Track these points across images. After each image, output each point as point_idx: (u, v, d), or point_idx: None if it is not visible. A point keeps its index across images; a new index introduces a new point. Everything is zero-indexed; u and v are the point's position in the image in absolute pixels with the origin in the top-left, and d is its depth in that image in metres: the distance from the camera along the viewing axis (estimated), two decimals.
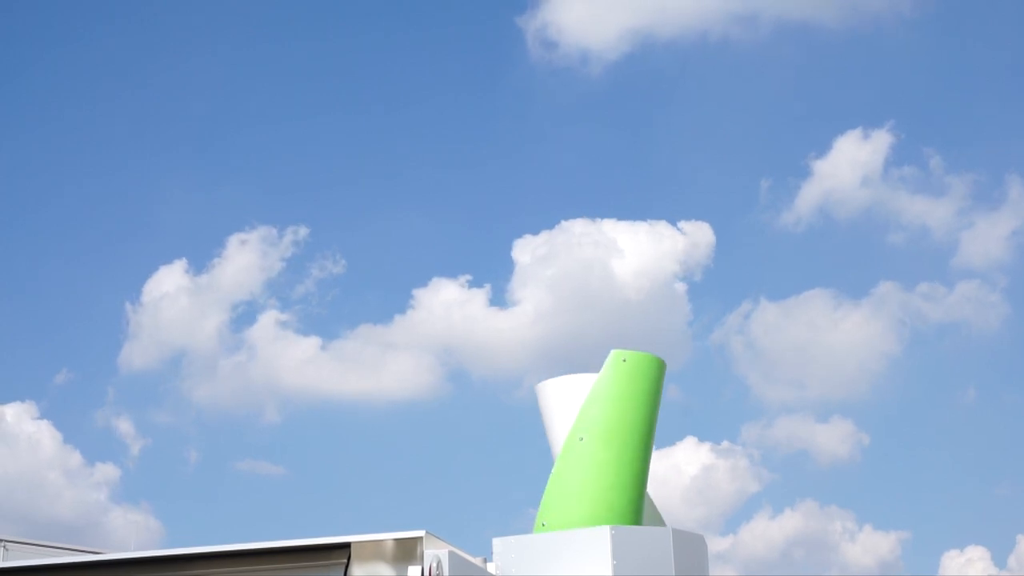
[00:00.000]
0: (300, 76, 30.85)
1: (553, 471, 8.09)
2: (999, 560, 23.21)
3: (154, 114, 30.36)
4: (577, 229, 26.15)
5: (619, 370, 8.24)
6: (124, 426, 26.76)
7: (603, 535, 7.33)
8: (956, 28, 29.42)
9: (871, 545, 24.52)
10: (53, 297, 28.99)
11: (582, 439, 7.99)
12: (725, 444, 26.43)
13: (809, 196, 27.61)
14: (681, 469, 23.96)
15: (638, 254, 25.69)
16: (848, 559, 24.47)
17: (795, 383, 27.63)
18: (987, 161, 28.32)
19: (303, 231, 28.17)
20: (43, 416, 26.34)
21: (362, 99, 30.35)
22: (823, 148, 29.78)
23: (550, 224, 27.29)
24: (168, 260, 28.66)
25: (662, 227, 26.63)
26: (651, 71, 29.21)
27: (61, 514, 24.79)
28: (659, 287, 25.57)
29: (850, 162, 27.25)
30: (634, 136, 29.43)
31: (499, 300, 27.64)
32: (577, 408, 8.33)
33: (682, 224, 26.88)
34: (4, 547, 11.35)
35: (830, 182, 27.32)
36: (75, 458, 25.85)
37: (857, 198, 27.61)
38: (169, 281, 27.39)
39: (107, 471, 26.27)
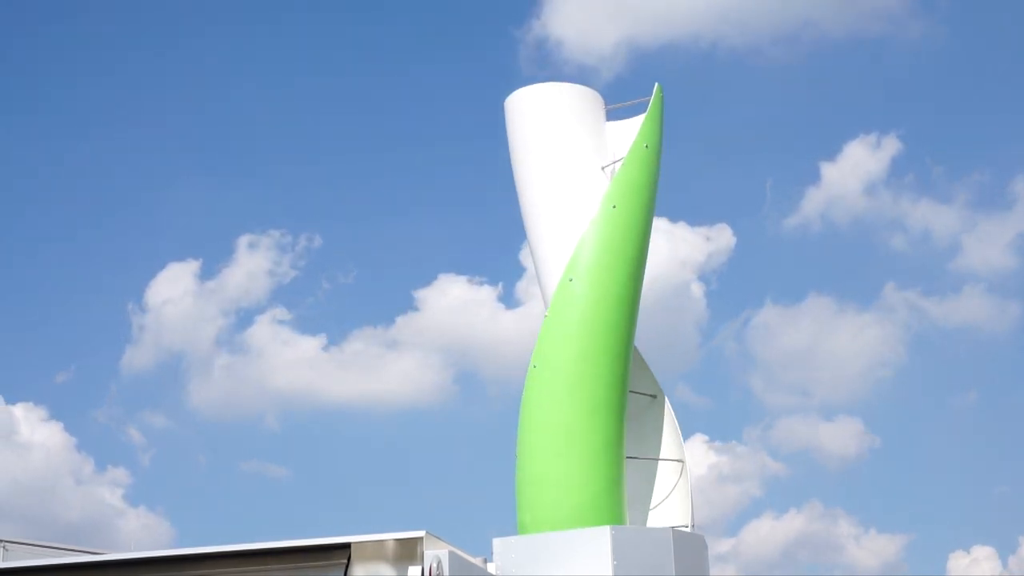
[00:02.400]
0: (311, 82, 30.85)
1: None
2: (1005, 560, 23.21)
3: (163, 115, 30.28)
4: None
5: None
6: (130, 429, 26.74)
7: (603, 535, 7.35)
8: (960, 34, 29.38)
9: (876, 547, 24.50)
10: (59, 298, 28.96)
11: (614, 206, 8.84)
12: (731, 444, 26.41)
13: (815, 202, 27.66)
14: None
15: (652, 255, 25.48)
16: (852, 560, 24.45)
17: (800, 386, 27.65)
18: (991, 166, 28.31)
19: (315, 236, 28.18)
20: (50, 418, 26.36)
21: (370, 101, 30.39)
22: (831, 153, 29.81)
23: None
24: (176, 261, 28.64)
25: (678, 230, 26.48)
26: (654, 74, 29.24)
27: (66, 516, 24.74)
28: (673, 290, 25.42)
29: (855, 168, 27.27)
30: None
31: (508, 300, 27.63)
32: (546, 122, 9.12)
33: (699, 229, 26.87)
34: (4, 547, 11.35)
35: (836, 188, 27.33)
36: (81, 461, 25.85)
37: (861, 203, 27.65)
38: (175, 283, 27.38)
39: (116, 474, 26.25)
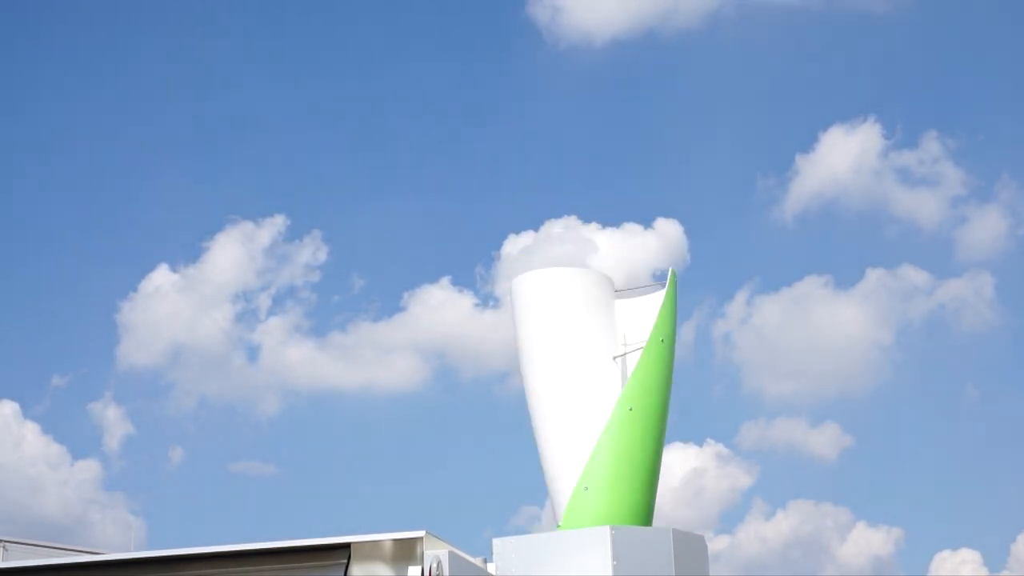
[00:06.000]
0: (291, 73, 30.83)
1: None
2: (994, 563, 23.20)
3: (144, 112, 30.17)
4: (556, 230, 25.95)
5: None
6: (119, 426, 26.71)
7: (603, 535, 7.34)
8: (951, 15, 29.15)
9: (865, 544, 24.50)
10: (46, 297, 28.95)
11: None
12: (718, 445, 26.23)
13: (800, 190, 27.34)
14: (671, 471, 23.81)
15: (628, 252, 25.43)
16: (842, 559, 24.44)
17: (787, 380, 27.45)
18: (986, 152, 28.05)
19: (301, 230, 28.21)
20: (35, 416, 26.37)
21: (363, 98, 30.39)
22: (814, 140, 29.54)
23: (535, 225, 27.02)
24: (158, 258, 28.63)
25: (668, 226, 26.35)
26: (639, 63, 29.10)
27: (53, 514, 24.74)
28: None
29: (844, 154, 26.99)
30: (625, 131, 29.30)
31: (490, 300, 27.61)
32: (549, 300, 8.64)
33: (681, 222, 26.73)
34: (4, 547, 11.38)
35: (822, 175, 27.04)
36: (67, 458, 25.82)
37: (851, 191, 27.36)
38: (158, 279, 27.37)
39: (103, 471, 26.27)
